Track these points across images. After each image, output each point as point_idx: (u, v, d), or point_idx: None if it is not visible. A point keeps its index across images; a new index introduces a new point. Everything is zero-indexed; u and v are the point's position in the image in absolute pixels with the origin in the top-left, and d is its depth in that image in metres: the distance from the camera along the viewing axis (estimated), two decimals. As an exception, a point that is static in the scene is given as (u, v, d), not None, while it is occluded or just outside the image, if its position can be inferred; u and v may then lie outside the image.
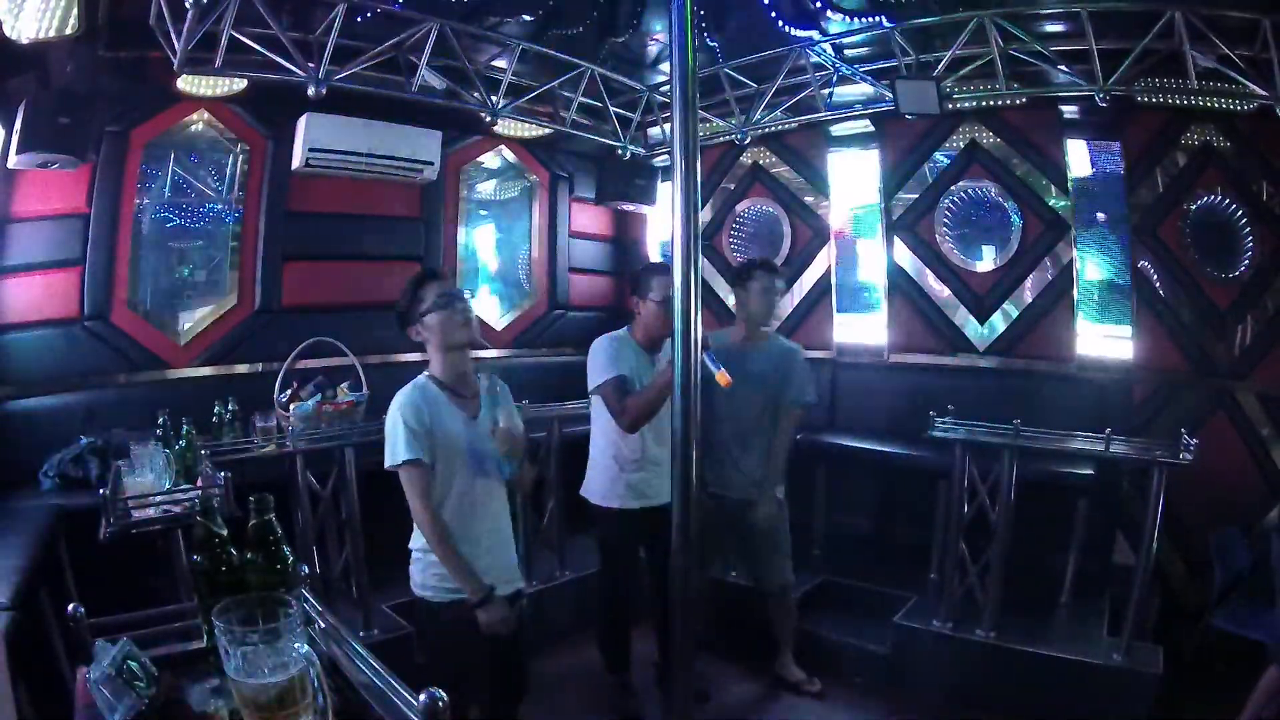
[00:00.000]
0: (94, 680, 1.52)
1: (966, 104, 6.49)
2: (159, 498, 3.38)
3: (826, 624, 5.82)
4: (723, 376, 3.93)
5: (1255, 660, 4.33)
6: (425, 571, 3.30)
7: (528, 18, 6.00)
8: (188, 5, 4.52)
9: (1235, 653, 4.53)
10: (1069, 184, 6.57)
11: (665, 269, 4.37)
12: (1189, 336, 6.12)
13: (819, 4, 5.90)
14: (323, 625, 1.70)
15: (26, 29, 4.58)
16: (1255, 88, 5.32)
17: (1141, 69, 5.66)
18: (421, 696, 1.34)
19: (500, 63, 6.27)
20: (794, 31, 6.32)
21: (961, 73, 6.11)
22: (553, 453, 5.87)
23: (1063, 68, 5.82)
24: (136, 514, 3.32)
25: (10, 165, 4.97)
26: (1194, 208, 6.15)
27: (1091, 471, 5.56)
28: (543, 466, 5.72)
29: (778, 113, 6.91)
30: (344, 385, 5.16)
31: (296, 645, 1.35)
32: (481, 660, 3.37)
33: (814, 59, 6.53)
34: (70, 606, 1.80)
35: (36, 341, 5.50)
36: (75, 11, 4.66)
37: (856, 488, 6.83)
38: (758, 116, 6.96)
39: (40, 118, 4.84)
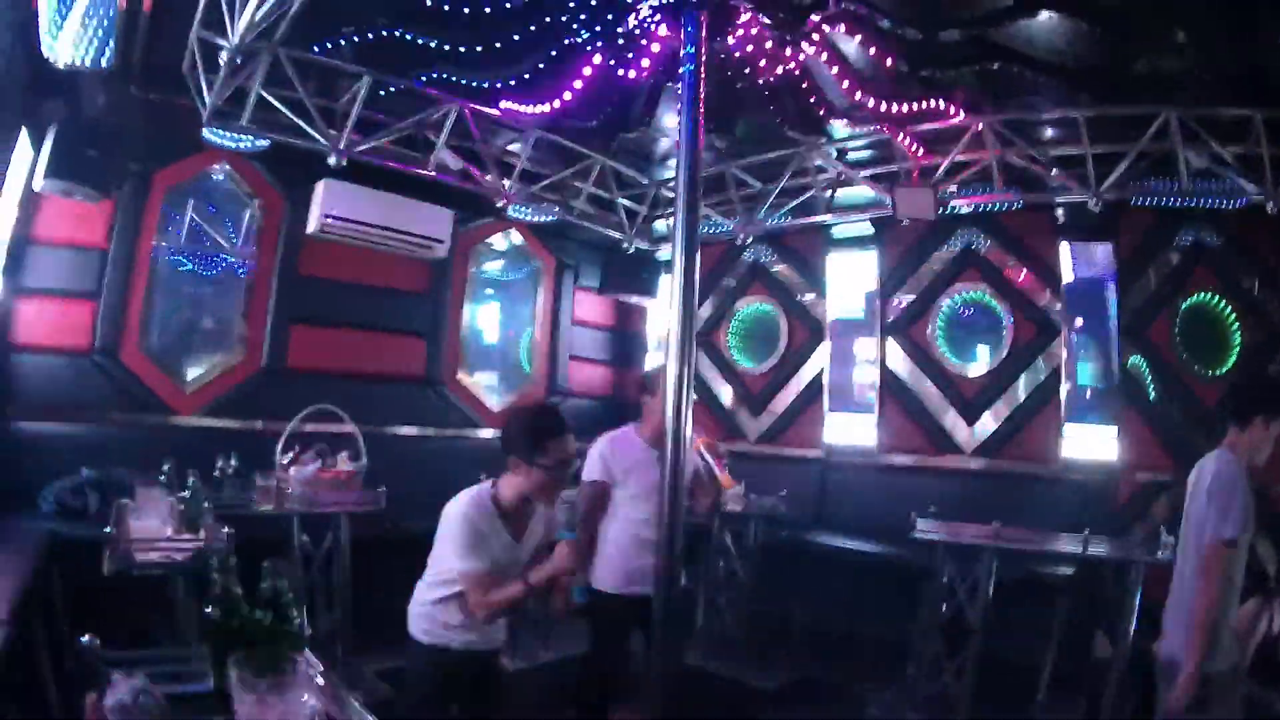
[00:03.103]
0: (111, 706, 1.71)
1: (964, 209, 6.85)
2: (164, 543, 3.57)
3: (803, 715, 6.04)
4: (726, 478, 4.65)
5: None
6: (419, 621, 3.68)
7: (542, 107, 6.26)
8: (221, 61, 4.81)
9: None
10: (1060, 287, 6.96)
11: None
12: (1175, 435, 6.39)
13: (822, 112, 6.18)
14: (322, 683, 1.89)
15: (63, 54, 4.83)
16: (1246, 184, 5.75)
17: (1135, 171, 6.08)
18: None
19: (515, 147, 6.63)
20: (798, 136, 6.61)
21: (961, 178, 6.51)
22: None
23: (1057, 172, 6.35)
24: (140, 556, 3.48)
25: (36, 188, 5.26)
26: (1185, 306, 6.55)
27: (1071, 570, 5.83)
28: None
29: (780, 213, 7.32)
30: (344, 454, 5.36)
31: (305, 699, 1.63)
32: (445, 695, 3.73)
33: (817, 161, 6.89)
34: (85, 637, 1.99)
35: (47, 368, 5.78)
36: (111, 45, 4.91)
37: (841, 585, 6.99)
38: (760, 215, 7.39)
39: (69, 146, 5.13)
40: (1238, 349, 6.54)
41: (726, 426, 8.48)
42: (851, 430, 7.81)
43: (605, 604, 4.68)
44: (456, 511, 3.49)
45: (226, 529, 3.66)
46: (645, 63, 5.60)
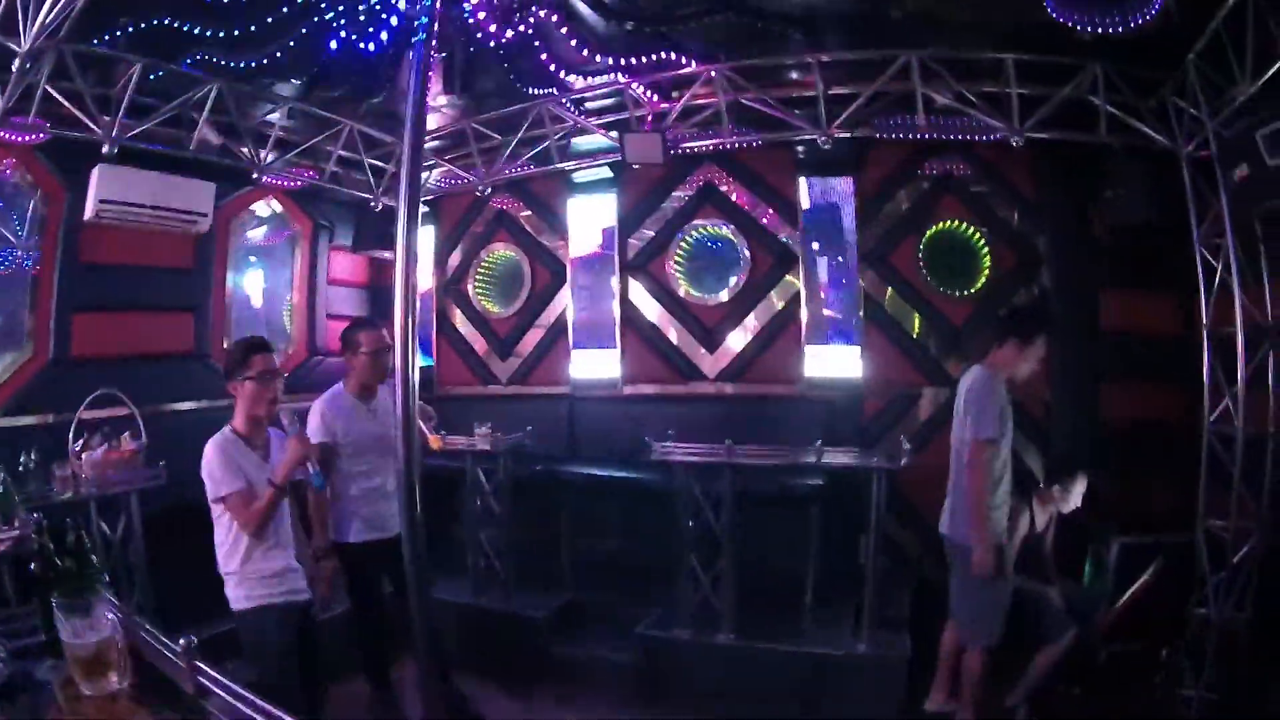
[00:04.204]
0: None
1: (698, 150, 7.89)
2: None
3: (577, 641, 6.90)
4: (434, 439, 5.55)
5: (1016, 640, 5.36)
6: (238, 587, 4.30)
7: (295, 81, 7.38)
8: (14, 67, 5.44)
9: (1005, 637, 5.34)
10: (799, 219, 8.17)
11: (370, 324, 5.63)
12: (920, 353, 7.71)
13: (555, 67, 7.28)
14: (121, 616, 2.55)
15: None
16: (992, 121, 6.74)
17: (873, 110, 7.06)
18: (181, 641, 2.22)
19: (274, 118, 7.74)
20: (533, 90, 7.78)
21: (693, 121, 7.57)
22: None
23: (797, 113, 7.18)
24: None
25: None
26: (930, 232, 7.72)
27: (821, 482, 6.74)
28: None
29: (519, 163, 8.53)
30: (126, 434, 6.17)
31: (107, 615, 2.41)
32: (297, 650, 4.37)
33: (553, 112, 8.07)
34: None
35: None
36: None
37: (600, 513, 8.06)
38: (498, 166, 8.58)
39: None
40: (986, 273, 7.64)
41: (479, 372, 9.90)
42: (597, 366, 9.19)
43: (351, 556, 5.35)
44: (206, 452, 4.22)
45: (35, 514, 4.11)
46: (384, 36, 6.47)
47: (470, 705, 5.84)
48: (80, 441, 6.00)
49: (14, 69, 5.53)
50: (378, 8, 6.32)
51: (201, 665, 2.16)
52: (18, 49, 5.31)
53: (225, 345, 8.17)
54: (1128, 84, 6.46)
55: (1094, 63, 6.40)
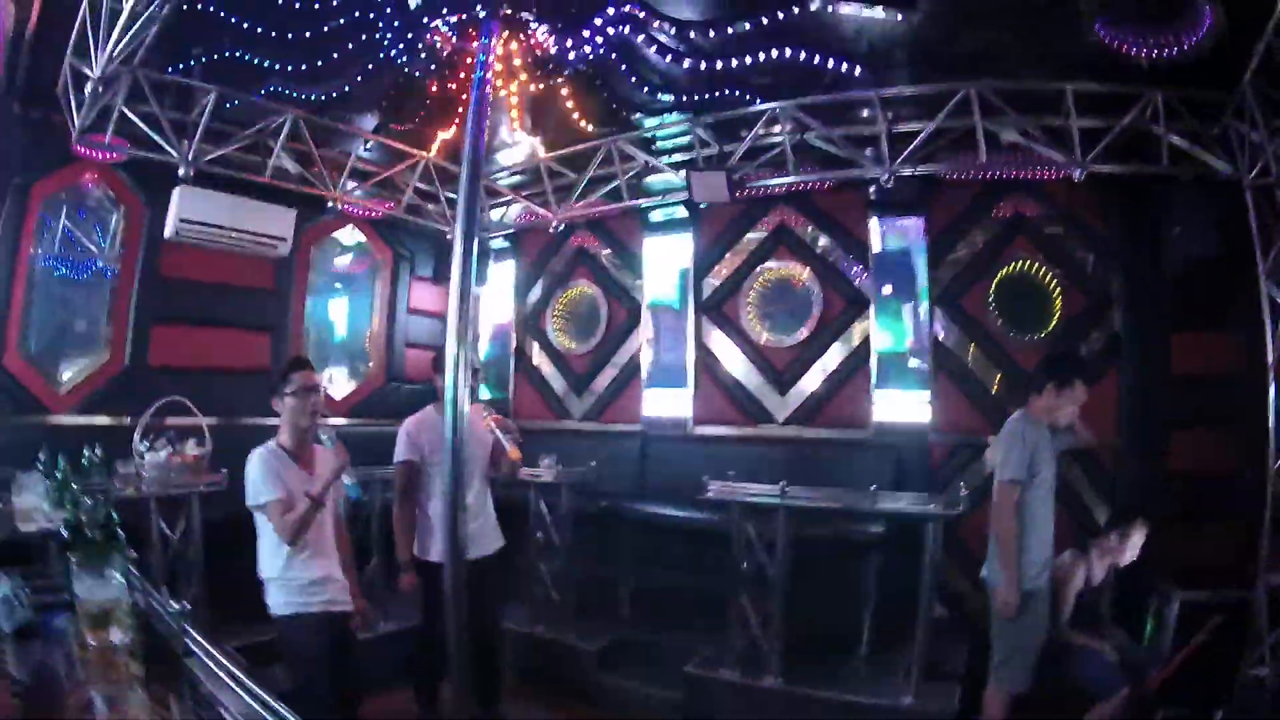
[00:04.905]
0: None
1: (777, 190, 7.90)
2: (40, 515, 4.51)
3: (627, 674, 6.83)
4: (514, 450, 5.32)
5: (1067, 695, 5.22)
6: (277, 594, 4.42)
7: (366, 113, 7.80)
8: (86, 91, 5.94)
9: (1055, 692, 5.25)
10: (870, 260, 8.03)
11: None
12: (990, 399, 7.46)
13: (615, 107, 7.54)
14: (140, 588, 2.87)
15: None
16: (1055, 155, 6.52)
17: (937, 147, 6.94)
18: (174, 605, 2.59)
19: (351, 148, 8.12)
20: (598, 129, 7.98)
21: (760, 161, 7.51)
22: (374, 513, 7.21)
23: (869, 152, 7.10)
24: (21, 525, 4.51)
25: None
26: (1001, 275, 7.52)
27: (881, 529, 6.59)
28: (364, 526, 7.15)
29: (592, 200, 8.63)
30: (192, 441, 6.52)
31: (117, 577, 2.59)
32: (329, 659, 4.43)
33: (627, 149, 8.17)
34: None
35: None
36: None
37: (661, 551, 7.95)
38: (571, 203, 8.67)
39: None
40: (1057, 316, 7.37)
41: (554, 407, 10.05)
42: (669, 405, 9.18)
43: (431, 573, 5.33)
44: (249, 463, 4.37)
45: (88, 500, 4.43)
46: (446, 72, 6.87)
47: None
48: (146, 443, 6.34)
49: (86, 91, 6.02)
50: (438, 44, 6.47)
51: (190, 630, 2.50)
52: (91, 73, 5.81)
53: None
54: (1189, 110, 6.22)
55: (1153, 90, 6.19)
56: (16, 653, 2.78)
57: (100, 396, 7.42)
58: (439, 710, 5.75)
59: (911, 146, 6.85)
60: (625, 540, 8.13)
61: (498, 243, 10.22)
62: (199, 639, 2.42)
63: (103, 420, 7.25)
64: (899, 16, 5.93)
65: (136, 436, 6.39)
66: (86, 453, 5.78)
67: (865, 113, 7.16)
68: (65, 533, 2.98)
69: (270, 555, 4.44)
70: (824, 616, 6.55)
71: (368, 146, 8.24)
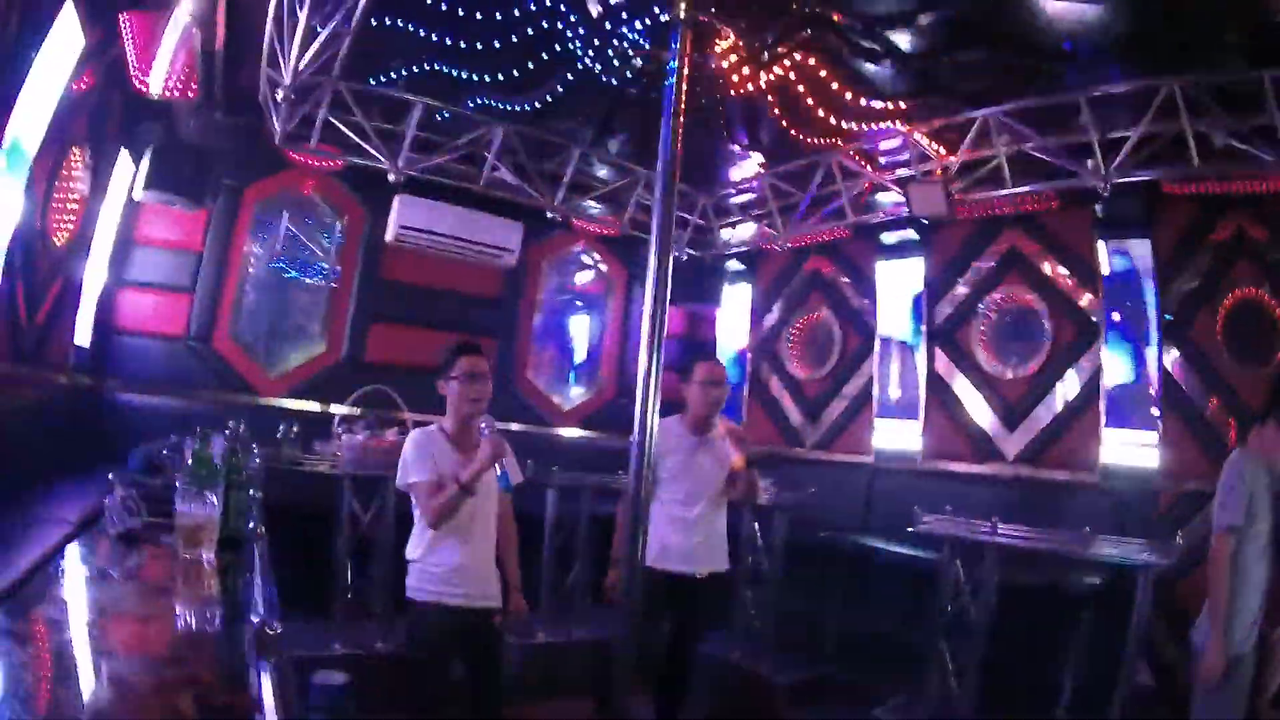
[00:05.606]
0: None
1: (986, 207, 7.59)
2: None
3: (816, 712, 6.55)
4: (738, 458, 5.25)
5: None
6: (414, 577, 4.42)
7: (573, 126, 7.93)
8: (277, 98, 6.47)
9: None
10: (1099, 286, 7.44)
11: (707, 356, 6.14)
12: (1219, 442, 6.65)
13: (823, 114, 7.28)
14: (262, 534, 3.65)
15: (155, 85, 6.47)
16: (1265, 156, 5.93)
17: (1147, 154, 6.38)
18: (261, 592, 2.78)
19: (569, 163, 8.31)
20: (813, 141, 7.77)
21: (977, 175, 7.26)
22: (582, 520, 7.27)
23: (1090, 164, 6.63)
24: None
25: (136, 198, 6.89)
26: (1229, 302, 6.78)
27: (1098, 581, 6.04)
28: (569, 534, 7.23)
29: (815, 219, 8.49)
30: (394, 429, 6.77)
31: (212, 502, 3.15)
32: (460, 653, 4.46)
33: (845, 167, 8.06)
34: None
35: (145, 349, 7.36)
36: (195, 81, 6.70)
37: (874, 587, 7.57)
38: (795, 223, 8.58)
39: (164, 163, 6.69)
40: None
41: (786, 434, 9.85)
42: (899, 437, 8.84)
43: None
44: (406, 442, 4.42)
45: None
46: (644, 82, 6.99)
47: None
48: (344, 426, 6.80)
49: (277, 99, 6.53)
50: (630, 53, 6.66)
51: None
52: (282, 83, 6.28)
53: (528, 375, 9.07)
54: None
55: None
56: (116, 554, 3.24)
57: (312, 384, 8.01)
58: None
59: (1124, 151, 6.37)
60: (840, 574, 7.76)
61: (733, 264, 10.22)
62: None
63: (310, 406, 7.80)
64: (1094, 8, 5.52)
65: (336, 419, 6.92)
66: (283, 427, 6.39)
67: (1079, 118, 6.56)
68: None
69: (416, 539, 4.44)
70: (1026, 672, 6.00)
71: (589, 162, 8.40)
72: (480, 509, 4.39)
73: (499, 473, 4.38)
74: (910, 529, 6.13)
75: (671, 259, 3.38)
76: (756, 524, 7.32)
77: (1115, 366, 7.24)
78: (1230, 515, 4.33)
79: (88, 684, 1.97)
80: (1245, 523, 4.34)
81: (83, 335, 6.52)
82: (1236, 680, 4.32)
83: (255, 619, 2.34)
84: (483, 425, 4.28)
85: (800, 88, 6.93)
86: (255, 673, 2.04)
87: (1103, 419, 7.30)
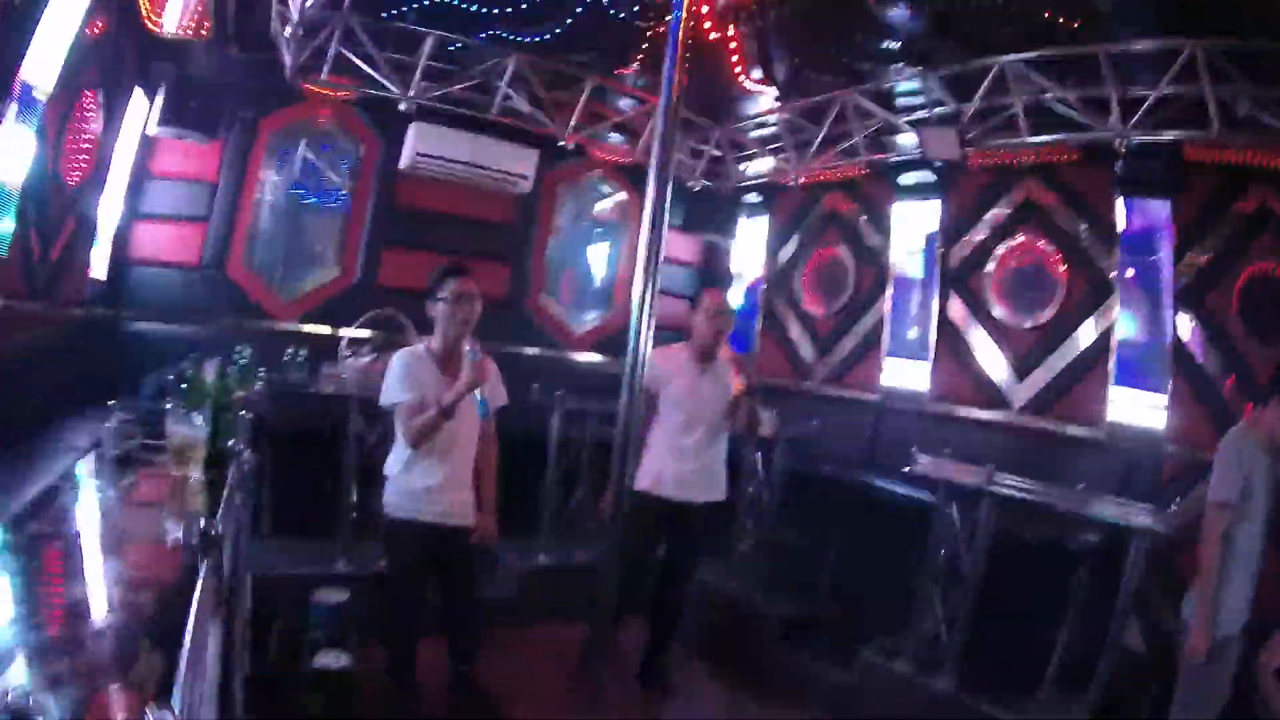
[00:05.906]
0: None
1: (1000, 153, 7.44)
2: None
3: (807, 650, 6.71)
4: (737, 382, 5.39)
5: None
6: (391, 493, 4.64)
7: (584, 57, 7.81)
8: (285, 34, 6.54)
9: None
10: (1116, 243, 7.29)
11: (715, 286, 6.66)
12: (1225, 412, 6.47)
13: (846, 59, 7.31)
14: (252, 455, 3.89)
15: (168, 24, 6.47)
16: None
17: (1168, 115, 6.19)
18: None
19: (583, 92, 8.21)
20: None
21: (993, 122, 7.08)
22: (586, 444, 7.51)
23: (1112, 118, 6.40)
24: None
25: (149, 133, 6.99)
26: (1246, 274, 6.52)
27: (1095, 539, 5.80)
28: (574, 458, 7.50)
29: (830, 157, 8.38)
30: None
31: (199, 423, 3.65)
32: (428, 570, 4.67)
33: (861, 106, 7.86)
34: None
35: (159, 278, 7.40)
36: (208, 20, 6.59)
37: (878, 527, 7.49)
38: (808, 159, 8.46)
39: (177, 99, 6.80)
40: None
41: (796, 367, 9.70)
42: (908, 377, 8.62)
43: (633, 502, 5.00)
44: (390, 362, 4.56)
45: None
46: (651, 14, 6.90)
47: (666, 673, 5.99)
48: (351, 350, 7.09)
49: (286, 34, 6.59)
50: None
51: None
52: (291, 19, 6.36)
53: (541, 300, 9.16)
54: None
55: None
56: (113, 475, 3.51)
57: (326, 309, 8.05)
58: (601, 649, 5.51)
59: (1143, 109, 6.18)
60: (843, 511, 7.74)
61: (751, 197, 10.13)
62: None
63: (323, 330, 7.83)
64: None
65: (344, 342, 7.22)
66: (290, 350, 6.47)
67: (1099, 74, 6.37)
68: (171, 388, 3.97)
69: (394, 456, 4.64)
70: (1020, 627, 5.92)
71: (604, 92, 8.31)
72: (460, 431, 4.57)
73: (479, 399, 4.55)
74: (905, 470, 6.26)
75: (670, 188, 3.47)
76: (758, 455, 7.54)
77: (1127, 325, 7.17)
78: (1225, 491, 4.39)
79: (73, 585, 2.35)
80: (1240, 499, 4.40)
81: (99, 269, 6.71)
82: (1222, 661, 4.44)
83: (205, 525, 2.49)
84: (468, 348, 4.36)
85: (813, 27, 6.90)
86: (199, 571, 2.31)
87: (1112, 376, 7.15)
